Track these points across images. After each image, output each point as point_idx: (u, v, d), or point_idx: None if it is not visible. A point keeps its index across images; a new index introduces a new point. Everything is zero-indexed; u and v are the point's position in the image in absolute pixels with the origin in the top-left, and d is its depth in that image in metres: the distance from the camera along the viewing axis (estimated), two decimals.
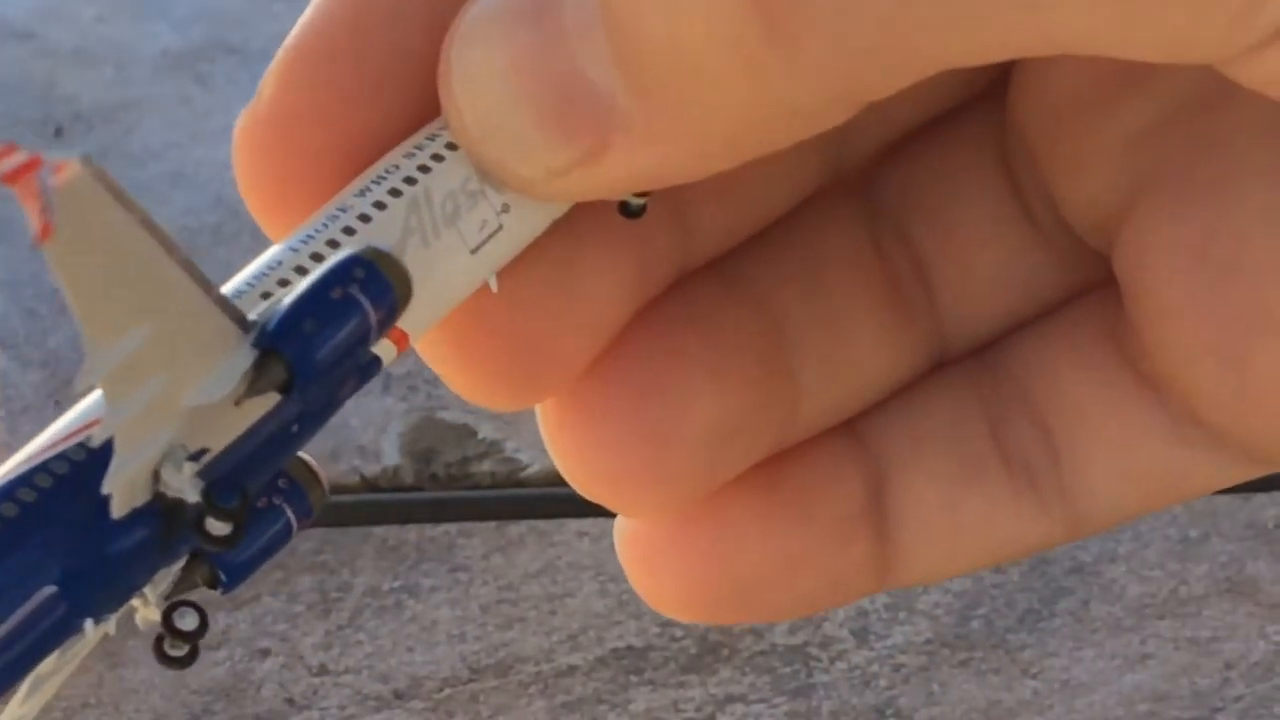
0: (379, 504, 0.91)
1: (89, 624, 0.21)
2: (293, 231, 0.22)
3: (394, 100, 0.23)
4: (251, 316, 0.21)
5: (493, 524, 0.89)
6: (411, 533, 0.88)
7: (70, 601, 0.20)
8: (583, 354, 0.24)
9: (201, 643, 0.22)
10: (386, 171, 0.22)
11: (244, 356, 0.20)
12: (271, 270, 0.22)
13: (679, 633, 0.83)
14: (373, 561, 0.87)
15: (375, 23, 0.23)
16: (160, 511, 0.20)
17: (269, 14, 1.52)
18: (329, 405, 0.22)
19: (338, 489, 0.91)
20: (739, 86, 0.20)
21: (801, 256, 0.26)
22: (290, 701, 0.80)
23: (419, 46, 0.22)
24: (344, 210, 0.22)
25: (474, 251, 0.23)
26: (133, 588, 0.21)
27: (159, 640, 0.22)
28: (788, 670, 0.81)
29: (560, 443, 0.25)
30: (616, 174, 0.21)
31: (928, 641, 0.82)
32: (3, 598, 0.20)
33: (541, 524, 0.89)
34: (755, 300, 0.26)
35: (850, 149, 0.26)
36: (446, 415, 0.96)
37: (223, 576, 0.22)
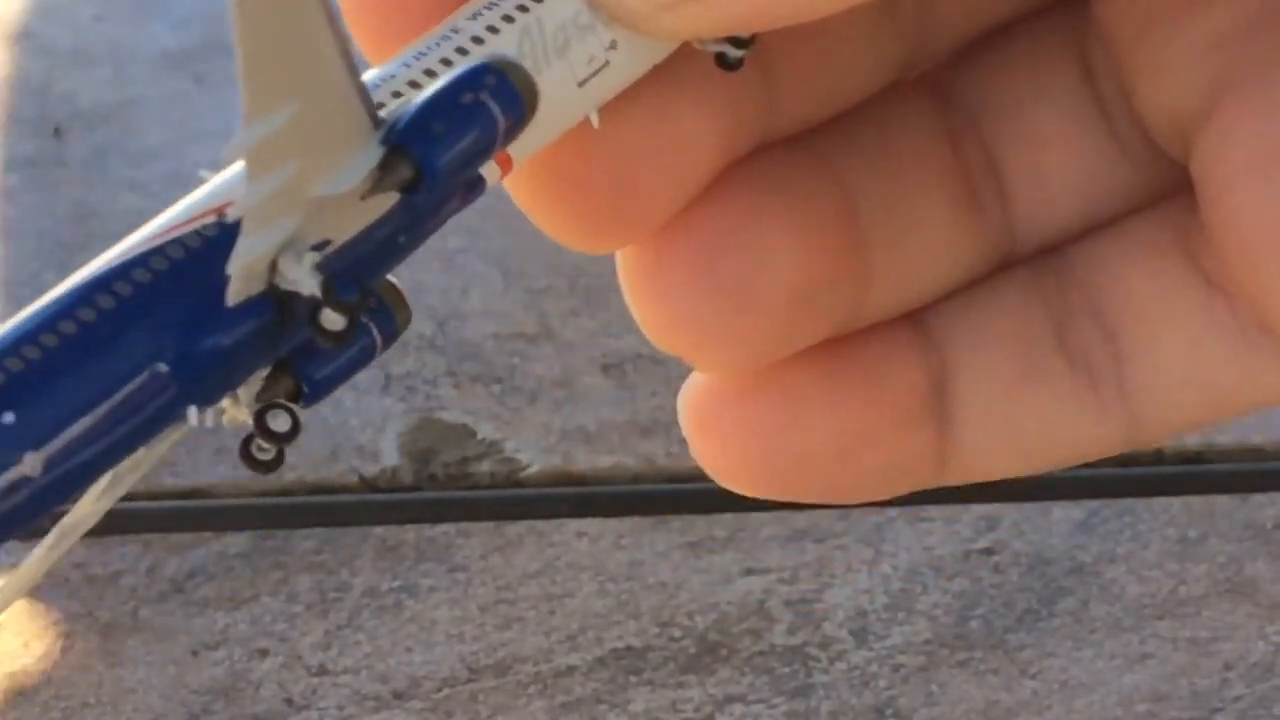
0: (378, 504, 0.91)
1: (192, 411, 0.21)
2: (403, 51, 0.22)
3: None
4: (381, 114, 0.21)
5: (491, 524, 0.89)
6: (410, 533, 0.88)
7: (180, 384, 0.20)
8: (671, 200, 0.24)
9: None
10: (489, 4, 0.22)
11: (373, 151, 0.20)
12: (390, 79, 0.22)
13: (678, 633, 0.83)
14: (371, 562, 0.87)
15: None
16: (273, 302, 0.21)
17: None
18: (436, 219, 0.23)
19: (336, 489, 0.91)
20: None
21: (880, 143, 0.26)
22: (289, 701, 0.80)
23: None
24: (456, 32, 0.22)
25: (581, 85, 0.23)
26: (237, 379, 0.21)
27: (246, 442, 0.22)
28: (787, 670, 0.81)
29: (640, 290, 0.25)
30: (724, 10, 0.22)
31: (927, 642, 0.82)
32: (117, 370, 0.20)
33: (540, 524, 0.89)
34: (834, 178, 0.26)
35: (932, 41, 0.27)
36: (446, 415, 0.96)
37: (305, 389, 0.22)
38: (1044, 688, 0.80)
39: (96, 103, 1.42)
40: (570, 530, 0.88)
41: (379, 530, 0.88)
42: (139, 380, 0.20)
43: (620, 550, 0.87)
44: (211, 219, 0.21)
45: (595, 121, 0.24)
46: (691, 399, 0.27)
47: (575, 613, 0.84)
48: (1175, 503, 0.89)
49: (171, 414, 0.21)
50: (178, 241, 0.21)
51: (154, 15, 1.53)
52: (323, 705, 0.80)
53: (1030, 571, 0.86)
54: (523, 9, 0.22)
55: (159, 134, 1.35)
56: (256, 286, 0.20)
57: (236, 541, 0.87)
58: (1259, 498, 0.89)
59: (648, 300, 0.26)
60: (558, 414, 0.96)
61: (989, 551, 0.87)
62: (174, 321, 0.20)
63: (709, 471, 0.26)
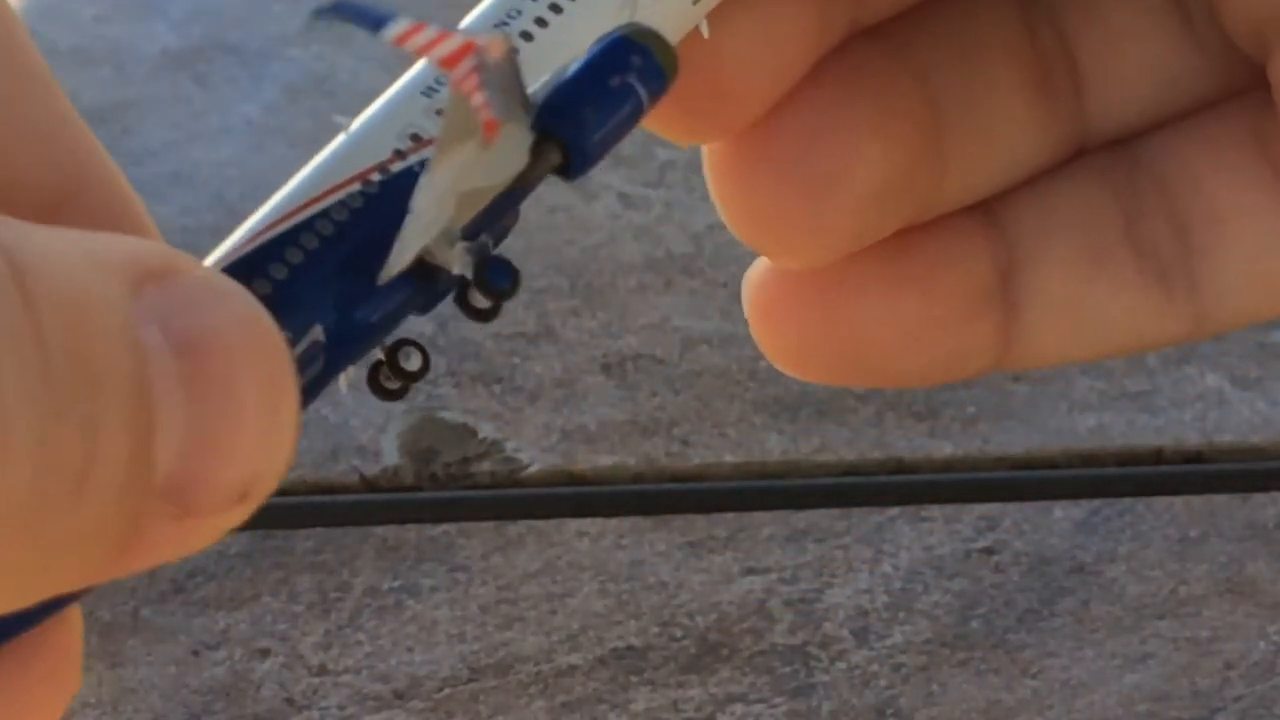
0: (378, 504, 0.91)
1: (343, 379, 0.21)
2: None
3: None
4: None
5: (492, 524, 0.89)
6: (411, 533, 0.88)
7: (329, 352, 0.21)
8: (763, 94, 0.25)
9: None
10: None
11: (526, 137, 0.21)
12: (514, 18, 0.22)
13: (678, 633, 0.83)
14: (372, 561, 0.87)
15: None
16: (420, 276, 0.21)
17: (268, 14, 1.52)
18: None
19: (337, 489, 0.91)
20: None
21: (958, 32, 0.27)
22: (290, 701, 0.80)
23: None
24: None
25: (696, 2, 0.23)
26: (378, 344, 0.22)
27: (374, 370, 0.23)
28: (787, 670, 0.81)
29: (725, 184, 0.26)
30: None
31: (927, 641, 0.82)
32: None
33: (541, 524, 0.89)
34: (913, 69, 0.26)
35: None
36: (446, 415, 0.96)
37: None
38: (1045, 687, 0.80)
39: (97, 102, 1.42)
40: (571, 530, 0.88)
41: (380, 530, 0.88)
42: (301, 348, 0.21)
43: (621, 550, 0.87)
44: (356, 186, 0.21)
45: (705, 32, 0.24)
46: (755, 286, 0.28)
47: (576, 612, 0.84)
48: (1176, 502, 0.89)
49: (323, 383, 0.21)
50: (325, 215, 0.21)
51: (154, 15, 1.53)
52: (324, 705, 0.80)
53: (1031, 571, 0.86)
54: None
55: (160, 134, 1.35)
56: (405, 263, 0.21)
57: (237, 541, 0.87)
58: (1260, 497, 0.89)
59: (733, 194, 0.26)
60: (558, 414, 0.96)
61: (990, 551, 0.87)
62: (330, 294, 0.21)
63: (772, 358, 0.27)
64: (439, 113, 0.21)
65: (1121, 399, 0.98)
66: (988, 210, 0.27)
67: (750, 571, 0.86)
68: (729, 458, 0.93)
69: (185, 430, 0.17)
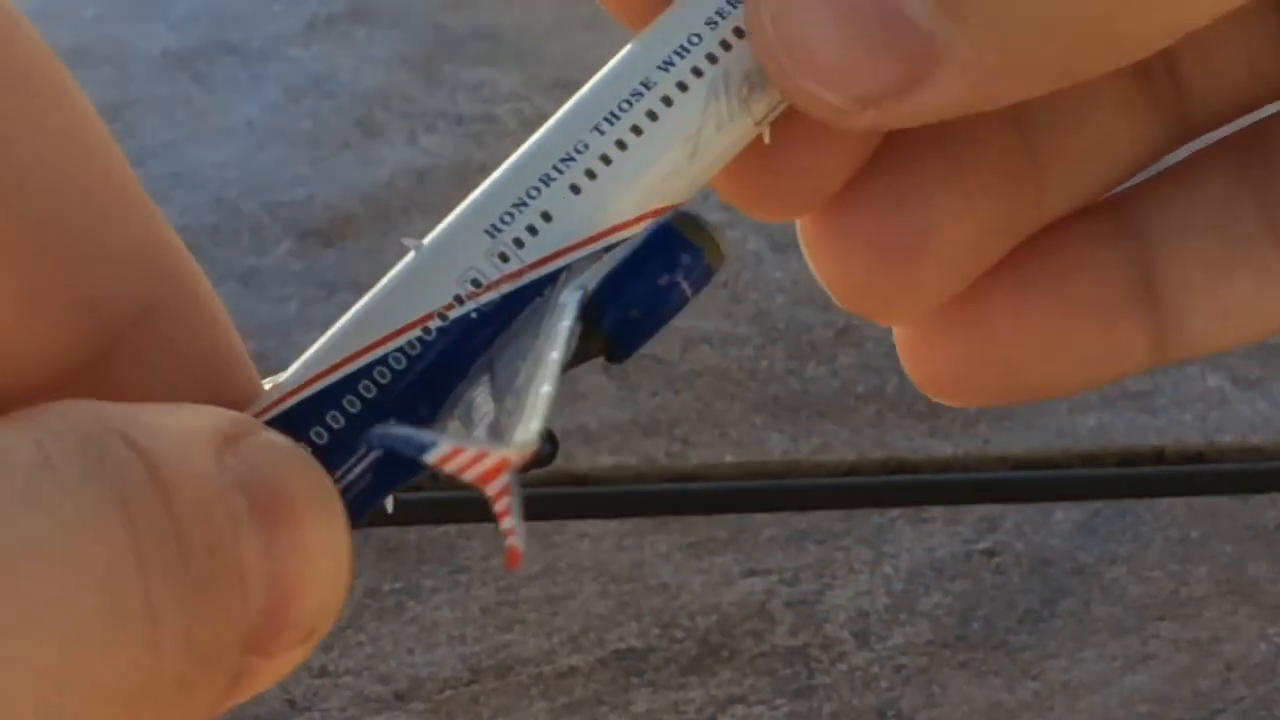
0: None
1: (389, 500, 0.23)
2: (605, 82, 0.23)
3: None
4: (567, 264, 0.22)
5: (493, 525, 0.89)
6: (412, 534, 0.88)
7: (378, 486, 0.22)
8: (839, 176, 0.25)
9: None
10: (690, 41, 0.22)
11: (575, 321, 0.21)
12: (580, 153, 0.22)
13: (679, 634, 0.83)
14: (373, 563, 0.87)
15: None
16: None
17: (268, 14, 1.52)
18: None
19: None
20: (1070, 21, 0.20)
21: None
22: (291, 703, 0.80)
23: None
24: (647, 87, 0.22)
25: (758, 123, 0.23)
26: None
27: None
28: (789, 672, 0.81)
29: (817, 258, 0.26)
30: (931, 104, 0.22)
31: (928, 643, 0.82)
32: (339, 460, 0.21)
33: (541, 525, 0.88)
34: None
35: None
36: None
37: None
38: (1045, 688, 0.79)
39: (98, 102, 1.40)
40: (571, 531, 0.88)
41: (380, 531, 0.88)
42: (353, 485, 0.22)
43: (622, 551, 0.87)
44: (415, 333, 0.22)
45: (768, 138, 0.24)
46: (898, 330, 0.28)
47: (577, 614, 0.84)
48: (1177, 503, 0.89)
49: (372, 508, 0.23)
50: (383, 361, 0.22)
51: (155, 16, 1.53)
52: (325, 706, 0.79)
53: (1032, 572, 0.86)
54: (711, 59, 0.23)
55: (160, 133, 1.35)
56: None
57: None
58: (1260, 498, 0.89)
59: (824, 269, 0.26)
60: (559, 412, 0.96)
61: (990, 553, 0.87)
62: (385, 428, 0.21)
63: (925, 390, 0.27)
64: (502, 257, 0.22)
65: (1122, 399, 0.98)
66: (1115, 209, 0.27)
67: (751, 573, 0.86)
68: (729, 458, 0.93)
69: (266, 587, 0.19)
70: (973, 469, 0.94)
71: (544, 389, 0.19)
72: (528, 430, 0.19)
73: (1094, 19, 0.21)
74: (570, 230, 0.22)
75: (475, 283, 0.22)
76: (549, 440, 0.20)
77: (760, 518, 0.89)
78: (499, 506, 0.18)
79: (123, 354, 0.20)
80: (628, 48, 0.23)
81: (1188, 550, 0.86)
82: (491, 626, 0.84)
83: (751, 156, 0.24)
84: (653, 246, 0.23)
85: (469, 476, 0.18)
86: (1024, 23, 0.21)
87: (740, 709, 0.79)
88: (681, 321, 0.89)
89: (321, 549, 0.19)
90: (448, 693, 0.80)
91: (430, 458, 0.18)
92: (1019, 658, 0.81)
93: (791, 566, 0.87)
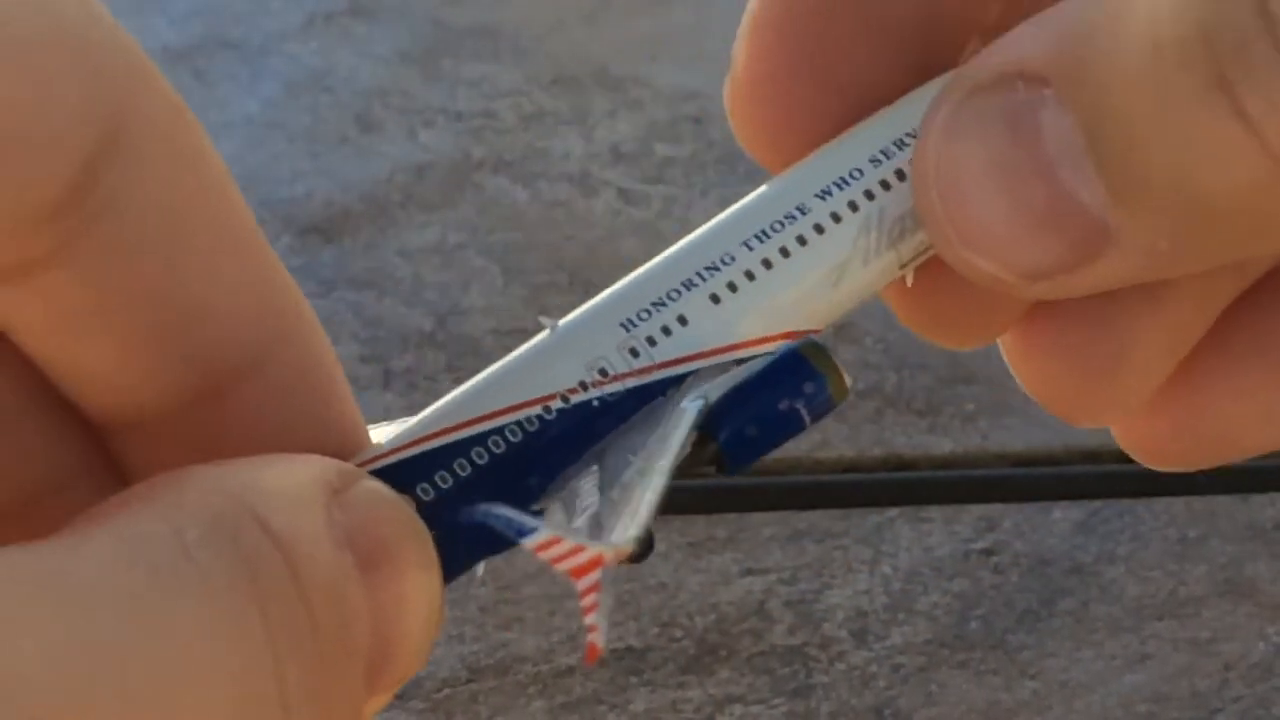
0: None
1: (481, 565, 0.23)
2: (759, 202, 0.23)
3: (846, 68, 0.23)
4: (695, 372, 0.23)
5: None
6: None
7: (470, 553, 0.23)
8: (1020, 309, 0.25)
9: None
10: (850, 175, 0.23)
11: (690, 432, 0.22)
12: (726, 265, 0.23)
13: (678, 633, 0.83)
14: None
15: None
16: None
17: (267, 10, 1.51)
18: None
19: None
20: (1237, 212, 0.21)
21: None
22: None
23: (864, 19, 0.23)
24: (802, 212, 0.23)
25: (903, 266, 0.24)
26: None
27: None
28: (786, 671, 0.80)
29: (1022, 373, 0.26)
30: (1099, 281, 0.22)
31: (927, 642, 0.82)
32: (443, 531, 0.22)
33: None
34: None
35: None
36: None
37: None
38: (1044, 688, 0.79)
39: None
40: None
41: None
42: (453, 525, 0.22)
43: None
44: (536, 410, 0.22)
45: (909, 281, 0.24)
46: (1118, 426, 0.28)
47: (575, 613, 0.84)
48: (1175, 503, 0.89)
49: (464, 572, 0.23)
50: (499, 431, 0.22)
51: (154, 11, 1.53)
52: None
53: (1030, 572, 0.86)
54: (869, 196, 0.23)
55: None
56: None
57: None
58: (1259, 498, 0.89)
59: (1029, 383, 0.26)
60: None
61: (989, 552, 0.87)
62: (492, 495, 0.22)
63: (1146, 462, 0.27)
64: (632, 352, 0.22)
65: None
66: None
67: (749, 572, 0.86)
68: None
69: (372, 636, 0.19)
70: (972, 465, 0.94)
71: (650, 495, 0.20)
72: (627, 532, 0.19)
73: (1261, 211, 0.21)
74: (703, 338, 0.23)
75: (603, 371, 0.23)
76: (645, 542, 0.21)
77: (759, 517, 0.89)
78: (587, 601, 0.19)
79: (234, 400, 0.20)
80: (788, 171, 0.23)
81: (1186, 549, 0.86)
82: (490, 625, 0.83)
83: (931, 285, 0.24)
84: (779, 370, 0.23)
85: (563, 567, 0.19)
86: (1192, 213, 0.21)
87: (738, 708, 0.79)
88: None
89: (420, 602, 0.20)
90: (446, 691, 0.80)
91: (528, 543, 0.18)
92: (1017, 657, 0.81)
93: (790, 566, 0.86)
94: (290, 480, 0.19)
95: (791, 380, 0.23)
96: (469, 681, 0.81)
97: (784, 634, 0.82)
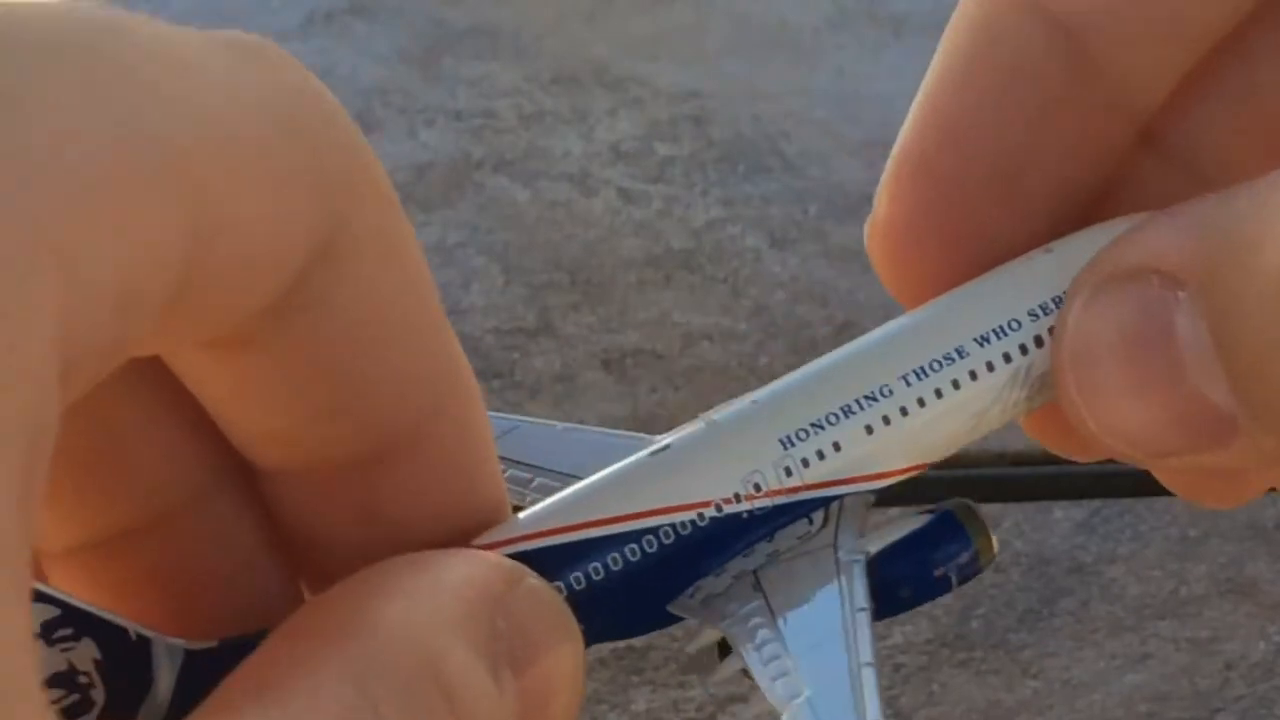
0: None
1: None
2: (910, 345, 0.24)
3: (980, 217, 0.25)
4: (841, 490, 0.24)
5: None
6: None
7: (597, 637, 0.24)
8: None
9: None
10: (1009, 326, 0.24)
11: (868, 606, 0.24)
12: (883, 397, 0.24)
13: (679, 633, 0.82)
14: None
15: (966, 143, 0.25)
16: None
17: (267, 9, 1.51)
18: None
19: None
20: None
21: None
22: None
23: (1005, 164, 0.24)
24: (960, 355, 0.24)
25: (1030, 410, 0.25)
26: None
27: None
28: None
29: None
30: (1224, 462, 0.23)
31: (928, 641, 0.82)
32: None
33: None
34: None
35: None
36: None
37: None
38: (1045, 687, 0.79)
39: None
40: None
41: None
42: (597, 612, 0.23)
43: None
44: (691, 515, 0.23)
45: (1023, 425, 0.26)
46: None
47: None
48: (1176, 502, 0.89)
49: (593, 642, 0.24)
50: (653, 531, 0.23)
51: (155, 9, 1.52)
52: None
53: (1031, 571, 0.85)
54: (1024, 350, 0.24)
55: None
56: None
57: None
58: (1259, 498, 0.89)
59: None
60: (558, 409, 0.95)
61: None
62: (629, 598, 0.24)
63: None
64: (787, 471, 0.24)
65: None
66: None
67: None
68: None
69: None
70: (972, 465, 0.93)
71: (871, 697, 0.22)
72: None
73: None
74: (852, 465, 0.24)
75: (756, 486, 0.24)
76: None
77: None
78: None
79: (391, 464, 0.21)
80: (947, 302, 0.24)
81: (1187, 549, 0.86)
82: None
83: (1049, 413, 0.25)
84: (935, 533, 0.25)
85: None
86: None
87: (740, 708, 0.79)
88: (681, 317, 0.90)
89: (565, 690, 0.20)
90: None
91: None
92: (1018, 656, 0.81)
93: None
94: (461, 606, 0.19)
95: (946, 545, 0.25)
96: None
97: None
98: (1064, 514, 0.89)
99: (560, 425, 0.26)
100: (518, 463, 0.25)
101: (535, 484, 0.25)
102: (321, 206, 0.18)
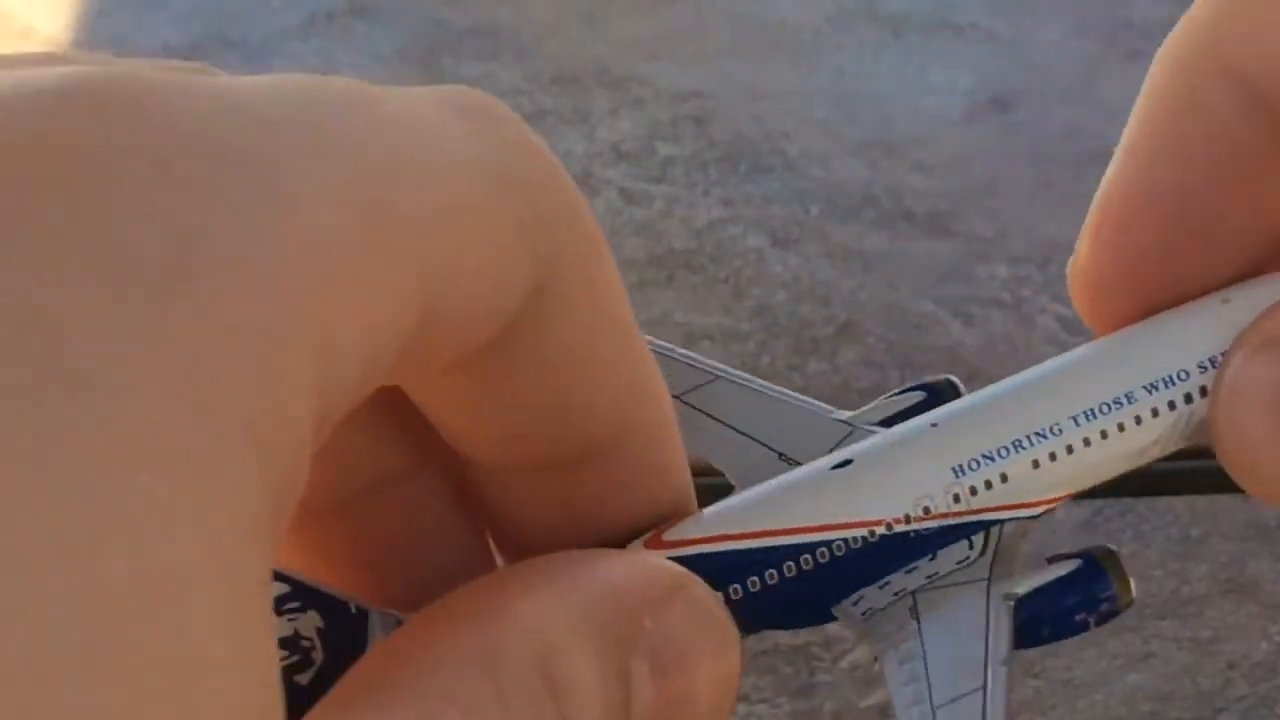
0: None
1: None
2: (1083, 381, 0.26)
3: (1175, 266, 0.27)
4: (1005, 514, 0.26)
5: None
6: None
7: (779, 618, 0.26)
8: None
9: None
10: (1177, 376, 0.26)
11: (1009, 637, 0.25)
12: (1053, 435, 0.26)
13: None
14: None
15: (1165, 202, 0.26)
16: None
17: (268, 8, 1.51)
18: None
19: None
20: None
21: None
22: None
23: (1201, 222, 0.26)
24: (1129, 400, 0.26)
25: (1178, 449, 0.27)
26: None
27: None
28: (790, 670, 0.80)
29: None
30: None
31: None
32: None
33: None
34: None
35: None
36: None
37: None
38: (1047, 687, 0.79)
39: None
40: None
41: None
42: (754, 617, 0.25)
43: None
44: (861, 532, 0.25)
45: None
46: None
47: None
48: (1178, 502, 0.89)
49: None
50: (825, 545, 0.25)
51: (155, 9, 1.53)
52: None
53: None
54: (1188, 399, 0.26)
55: None
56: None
57: None
58: None
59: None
60: None
61: None
62: (791, 605, 0.25)
63: None
64: (955, 497, 0.25)
65: None
66: None
67: None
68: None
69: None
70: None
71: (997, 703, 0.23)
72: None
73: None
74: (1014, 494, 0.26)
75: (926, 509, 0.25)
76: None
77: None
78: None
79: (589, 468, 0.22)
80: (1119, 343, 0.26)
81: (1189, 548, 0.86)
82: None
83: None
84: (1080, 580, 0.26)
85: None
86: None
87: (742, 707, 0.79)
88: (683, 317, 0.90)
89: (714, 699, 0.21)
90: None
91: None
92: (1020, 656, 0.81)
93: None
94: (594, 604, 0.20)
95: (1089, 590, 0.26)
96: None
97: (788, 633, 0.82)
98: (1066, 513, 0.89)
99: (756, 384, 0.28)
100: (714, 418, 0.27)
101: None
102: (538, 255, 0.20)
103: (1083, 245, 0.27)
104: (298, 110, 0.17)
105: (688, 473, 0.24)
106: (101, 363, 0.14)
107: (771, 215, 1.21)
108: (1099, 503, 0.89)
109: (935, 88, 1.37)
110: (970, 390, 0.28)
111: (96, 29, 1.48)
